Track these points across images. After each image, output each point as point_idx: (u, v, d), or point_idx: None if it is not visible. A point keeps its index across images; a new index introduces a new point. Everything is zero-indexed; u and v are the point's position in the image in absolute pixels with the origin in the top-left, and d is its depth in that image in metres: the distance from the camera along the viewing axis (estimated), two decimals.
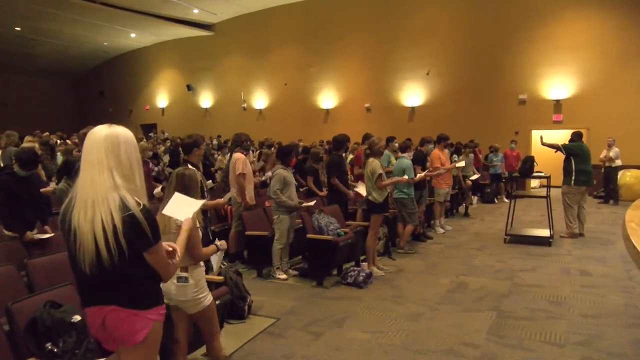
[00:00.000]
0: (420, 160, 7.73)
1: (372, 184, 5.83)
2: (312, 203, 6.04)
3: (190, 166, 4.62)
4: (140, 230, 1.90)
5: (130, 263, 1.91)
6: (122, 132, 1.99)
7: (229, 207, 6.55)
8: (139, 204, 1.93)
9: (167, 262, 2.04)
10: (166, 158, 9.83)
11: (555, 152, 7.88)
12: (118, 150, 1.94)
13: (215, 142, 15.27)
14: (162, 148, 10.75)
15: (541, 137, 8.06)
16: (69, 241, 1.95)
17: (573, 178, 7.68)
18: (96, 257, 1.87)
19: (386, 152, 7.24)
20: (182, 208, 2.51)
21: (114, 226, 1.85)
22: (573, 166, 7.72)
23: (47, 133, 11.77)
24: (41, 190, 5.07)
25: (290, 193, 5.80)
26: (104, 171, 1.90)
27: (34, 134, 11.06)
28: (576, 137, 8.07)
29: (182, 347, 3.04)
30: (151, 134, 18.96)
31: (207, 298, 2.93)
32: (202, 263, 2.99)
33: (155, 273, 2.02)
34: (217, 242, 3.22)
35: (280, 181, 5.70)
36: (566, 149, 7.80)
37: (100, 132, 1.96)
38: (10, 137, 7.59)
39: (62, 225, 1.99)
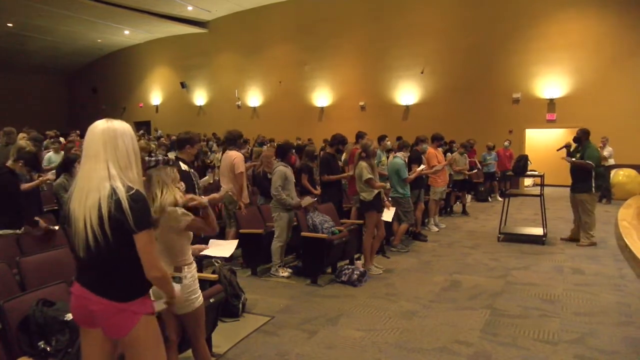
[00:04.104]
0: (418, 160, 7.75)
1: (361, 185, 5.85)
2: (313, 200, 6.01)
3: (182, 164, 4.59)
4: (124, 215, 1.98)
5: (115, 248, 2.02)
6: (119, 125, 2.12)
7: (221, 204, 6.49)
8: (130, 189, 2.03)
9: (153, 257, 2.10)
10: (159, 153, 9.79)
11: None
12: (115, 142, 2.06)
13: (211, 143, 15.18)
14: (154, 146, 10.70)
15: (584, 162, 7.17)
16: (68, 227, 2.13)
17: (594, 184, 7.08)
18: (86, 242, 2.01)
19: (377, 150, 7.26)
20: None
21: (100, 214, 1.97)
22: (593, 172, 7.06)
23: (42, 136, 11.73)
24: (24, 186, 5.02)
25: (290, 191, 5.79)
26: (100, 163, 2.03)
27: (29, 131, 10.99)
28: (586, 136, 7.30)
29: (173, 346, 3.03)
30: (141, 131, 18.85)
31: (199, 300, 2.88)
32: (194, 263, 2.96)
33: (139, 262, 2.09)
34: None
35: (282, 177, 5.70)
36: (593, 159, 7.05)
37: (98, 127, 2.09)
38: (11, 135, 7.52)
39: (65, 214, 2.12)
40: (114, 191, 1.99)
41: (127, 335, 2.09)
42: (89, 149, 2.06)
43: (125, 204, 1.98)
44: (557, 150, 7.98)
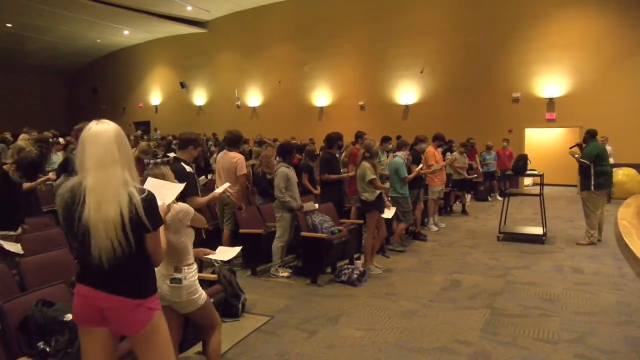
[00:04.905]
0: (417, 160, 7.75)
1: (363, 185, 5.84)
2: (315, 206, 5.99)
3: (184, 165, 4.57)
4: (141, 218, 2.04)
5: (136, 249, 2.06)
6: (118, 127, 2.12)
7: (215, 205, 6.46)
8: (142, 191, 2.08)
9: (160, 248, 2.19)
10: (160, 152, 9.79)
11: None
12: (126, 146, 2.10)
13: (210, 143, 15.20)
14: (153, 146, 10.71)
15: (576, 158, 7.44)
16: (78, 236, 2.04)
17: (592, 182, 7.12)
18: (113, 253, 2.00)
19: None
20: (162, 191, 2.56)
21: (123, 222, 1.99)
22: (592, 169, 7.11)
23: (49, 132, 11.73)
24: (24, 185, 4.98)
25: (293, 192, 5.78)
26: (117, 169, 2.02)
27: (29, 131, 10.99)
28: (589, 136, 7.41)
29: (174, 346, 3.03)
30: (139, 132, 18.85)
31: (202, 297, 2.90)
32: (196, 265, 2.96)
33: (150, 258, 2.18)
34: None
35: (284, 179, 5.68)
36: (587, 157, 7.18)
37: (107, 131, 2.06)
38: None
39: (68, 222, 2.07)
40: (130, 197, 2.02)
41: (142, 331, 2.13)
42: (104, 157, 2.01)
43: (140, 207, 2.03)
44: (570, 148, 8.03)
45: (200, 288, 2.93)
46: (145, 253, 2.13)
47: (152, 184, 2.57)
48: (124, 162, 2.05)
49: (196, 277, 2.90)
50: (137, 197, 2.03)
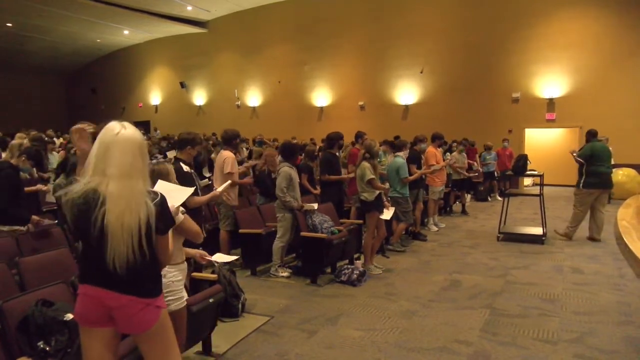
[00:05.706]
0: (415, 159, 7.74)
1: (362, 185, 5.85)
2: (315, 206, 5.98)
3: (182, 165, 4.57)
4: (156, 222, 2.09)
5: (149, 252, 2.10)
6: (141, 135, 2.16)
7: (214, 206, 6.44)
8: (154, 196, 2.11)
9: (168, 249, 2.26)
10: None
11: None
12: (146, 155, 2.13)
13: (210, 143, 15.14)
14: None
15: (573, 156, 7.75)
16: (91, 241, 2.03)
17: (582, 180, 7.42)
18: (126, 259, 2.01)
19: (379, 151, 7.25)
20: (171, 194, 2.54)
21: (139, 229, 2.02)
22: (584, 168, 7.43)
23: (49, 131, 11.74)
24: (29, 188, 5.01)
25: (295, 193, 5.77)
26: (139, 180, 2.06)
27: (27, 133, 10.97)
28: (589, 136, 7.69)
29: None
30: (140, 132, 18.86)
31: (177, 303, 2.78)
32: (185, 265, 2.92)
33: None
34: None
35: (287, 179, 5.68)
36: (581, 157, 7.49)
37: (134, 140, 2.07)
38: None
39: (81, 226, 2.05)
40: (147, 204, 2.05)
41: (149, 330, 2.14)
42: (130, 167, 2.02)
43: (154, 213, 2.07)
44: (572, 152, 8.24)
45: (183, 296, 2.84)
46: (155, 254, 2.16)
47: (162, 187, 2.60)
48: (144, 173, 2.10)
49: (179, 279, 2.80)
50: (151, 204, 2.06)
